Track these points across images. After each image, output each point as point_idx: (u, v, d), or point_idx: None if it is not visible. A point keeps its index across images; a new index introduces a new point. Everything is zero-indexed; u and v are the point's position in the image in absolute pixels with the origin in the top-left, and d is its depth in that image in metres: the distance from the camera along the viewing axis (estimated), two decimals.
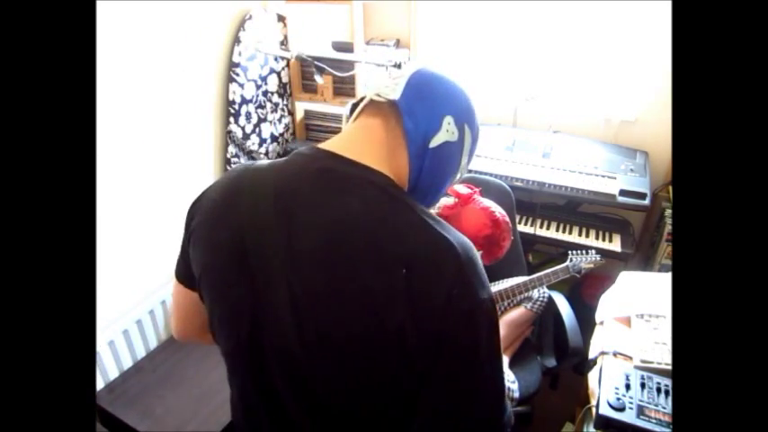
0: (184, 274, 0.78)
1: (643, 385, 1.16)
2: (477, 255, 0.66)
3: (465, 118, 0.74)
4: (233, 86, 2.03)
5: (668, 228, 2.04)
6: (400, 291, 0.59)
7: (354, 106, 0.77)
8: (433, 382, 0.63)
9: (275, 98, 2.30)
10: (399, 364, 0.62)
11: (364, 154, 0.68)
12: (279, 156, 2.41)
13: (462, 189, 1.53)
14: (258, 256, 0.66)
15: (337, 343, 0.63)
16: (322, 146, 0.71)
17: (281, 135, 2.40)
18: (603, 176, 2.03)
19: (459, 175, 0.79)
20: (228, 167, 2.11)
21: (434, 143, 0.70)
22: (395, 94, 0.70)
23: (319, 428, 0.70)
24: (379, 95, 0.71)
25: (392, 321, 0.59)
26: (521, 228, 2.10)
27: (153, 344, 1.90)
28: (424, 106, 0.70)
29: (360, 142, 0.70)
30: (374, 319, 0.60)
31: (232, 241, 0.68)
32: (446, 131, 0.71)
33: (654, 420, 1.08)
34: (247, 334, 0.69)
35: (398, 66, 1.99)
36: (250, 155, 1.50)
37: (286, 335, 0.65)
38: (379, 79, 0.76)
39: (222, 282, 0.70)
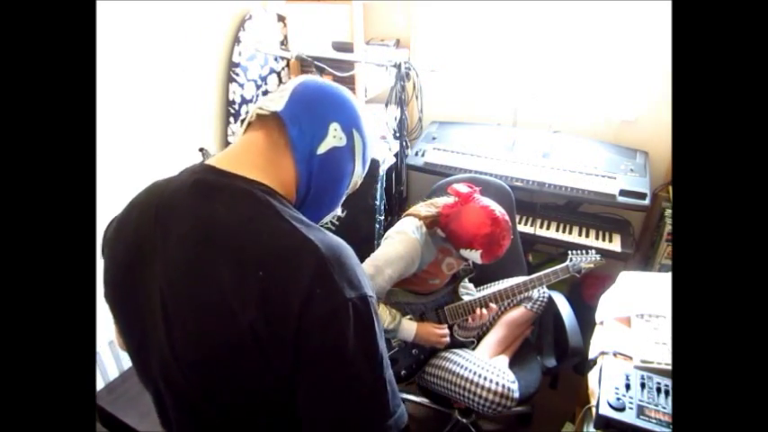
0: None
1: (643, 385, 1.16)
2: (350, 256, 0.67)
3: (352, 124, 0.76)
4: (233, 86, 2.03)
5: (668, 228, 2.04)
6: (253, 291, 0.60)
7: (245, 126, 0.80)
8: (303, 388, 0.64)
9: None
10: (260, 366, 0.62)
11: (241, 165, 0.70)
12: None
13: (462, 188, 1.53)
14: (141, 268, 0.69)
15: (200, 347, 0.64)
16: (208, 161, 0.73)
17: None
18: (603, 176, 2.03)
19: (354, 182, 0.80)
20: None
21: (322, 149, 0.73)
22: (278, 106, 0.72)
23: None
24: (261, 108, 0.73)
25: (245, 321, 0.60)
26: (521, 228, 2.10)
27: None
28: (309, 114, 0.73)
29: (237, 154, 0.72)
30: (228, 319, 0.61)
31: (124, 255, 0.72)
32: (333, 137, 0.73)
33: (654, 420, 1.08)
34: (139, 346, 0.73)
35: (398, 66, 1.99)
36: None
37: (162, 343, 0.66)
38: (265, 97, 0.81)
39: (117, 294, 0.74)
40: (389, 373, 0.67)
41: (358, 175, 0.80)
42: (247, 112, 2.12)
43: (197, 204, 0.67)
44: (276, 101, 0.73)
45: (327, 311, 0.61)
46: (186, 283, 0.64)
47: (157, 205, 0.70)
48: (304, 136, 0.72)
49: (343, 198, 0.82)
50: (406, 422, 0.68)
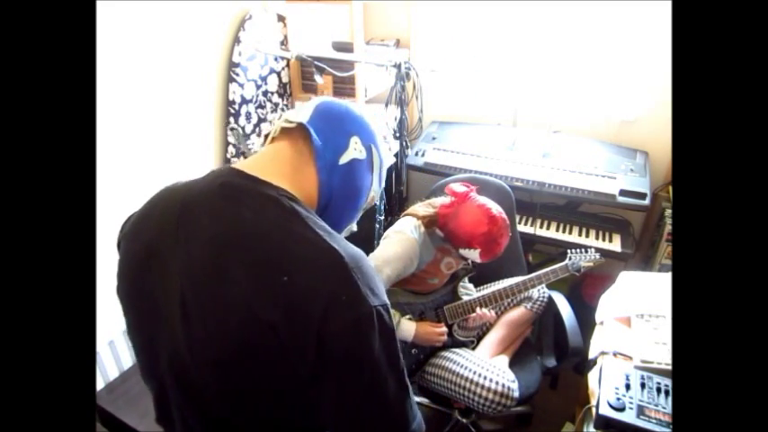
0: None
1: (643, 385, 1.16)
2: (370, 265, 0.68)
3: (371, 140, 0.80)
4: (233, 86, 2.03)
5: (668, 228, 2.04)
6: (277, 296, 0.61)
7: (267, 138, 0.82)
8: (327, 395, 0.64)
9: (275, 98, 2.30)
10: (279, 370, 0.63)
11: (267, 171, 0.72)
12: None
13: (459, 188, 1.53)
14: (159, 265, 0.69)
15: (220, 347, 0.64)
16: (234, 165, 0.75)
17: None
18: (603, 176, 2.03)
19: (371, 196, 0.84)
20: None
21: (344, 160, 0.77)
22: (303, 118, 0.76)
23: None
24: (288, 121, 0.77)
25: (267, 323, 0.61)
26: (521, 228, 2.10)
27: None
28: (331, 127, 0.77)
29: (266, 161, 0.75)
30: (250, 321, 0.62)
31: (142, 252, 0.72)
32: (354, 149, 0.78)
33: (654, 420, 1.08)
34: (149, 341, 0.73)
35: (398, 66, 1.99)
36: (243, 156, 1.50)
37: (177, 341, 0.67)
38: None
39: (131, 290, 0.75)
40: (407, 380, 0.69)
41: (375, 190, 0.83)
42: (248, 113, 2.13)
43: (223, 206, 0.68)
44: (300, 114, 0.77)
45: (352, 319, 0.62)
46: (209, 283, 0.65)
47: (182, 204, 0.71)
48: (327, 146, 0.75)
49: (361, 212, 0.84)
50: (424, 430, 0.70)
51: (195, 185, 0.73)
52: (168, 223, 0.70)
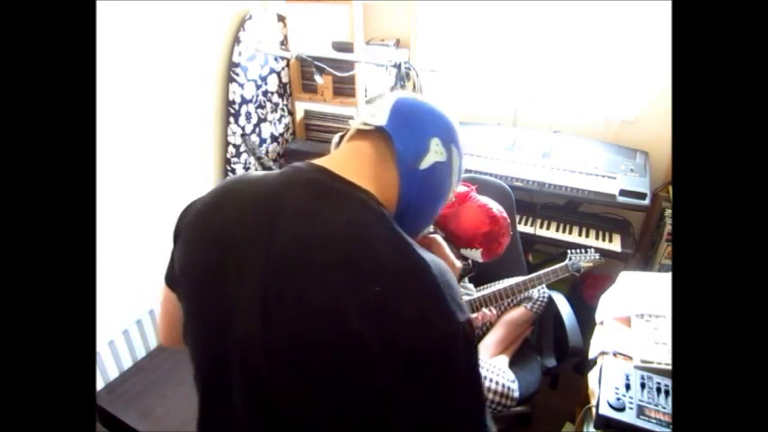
0: (170, 277, 0.79)
1: (643, 385, 1.16)
2: (453, 278, 0.66)
3: (451, 139, 0.76)
4: (233, 86, 2.03)
5: (668, 228, 2.04)
6: (368, 304, 0.59)
7: (341, 138, 0.80)
8: (407, 409, 0.62)
9: (275, 98, 2.30)
10: (360, 377, 0.61)
11: (352, 171, 0.69)
12: (279, 156, 2.41)
13: (459, 187, 1.53)
14: (237, 259, 0.66)
15: (301, 351, 0.62)
16: (315, 161, 0.72)
17: (281, 135, 2.40)
18: (603, 176, 2.03)
19: (449, 197, 0.80)
20: (228, 167, 2.11)
21: (425, 164, 0.73)
22: (381, 121, 0.73)
23: None
24: (366, 123, 0.74)
25: (355, 329, 0.59)
26: (521, 228, 2.10)
27: (153, 344, 1.90)
28: (411, 129, 0.73)
29: (349, 161, 0.72)
30: (337, 325, 0.60)
31: (214, 243, 0.69)
32: (434, 152, 0.73)
33: (654, 420, 1.08)
34: (216, 336, 0.69)
35: (398, 66, 1.99)
36: (259, 160, 1.49)
37: (252, 339, 0.64)
38: (362, 111, 0.80)
39: (199, 282, 0.71)
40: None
41: (453, 188, 0.80)
42: (248, 113, 2.13)
43: (311, 205, 0.66)
44: (377, 116, 0.74)
45: (441, 333, 0.60)
46: (294, 286, 0.62)
47: (266, 200, 0.68)
48: (407, 150, 0.72)
49: (438, 214, 0.81)
50: None
51: (276, 181, 0.70)
52: (249, 218, 0.67)
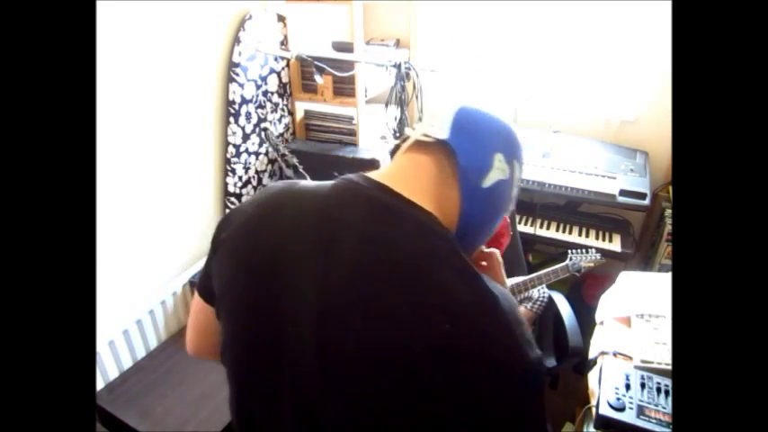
0: (207, 289, 0.74)
1: (643, 385, 1.16)
2: (517, 307, 0.62)
3: (514, 153, 0.72)
4: (233, 86, 2.03)
5: (668, 228, 2.04)
6: (434, 340, 0.55)
7: (396, 148, 0.74)
8: None
9: (275, 98, 2.30)
10: (418, 408, 0.57)
11: (414, 189, 0.64)
12: (280, 155, 2.40)
13: None
14: (289, 279, 0.62)
15: (359, 375, 0.58)
16: (371, 175, 0.67)
17: (282, 135, 2.40)
18: (603, 176, 2.03)
19: (509, 210, 0.76)
20: (228, 167, 2.11)
21: (488, 183, 0.67)
22: (442, 133, 0.67)
23: None
24: (426, 135, 0.68)
25: (418, 362, 0.55)
26: (521, 228, 2.10)
27: (153, 344, 1.90)
28: (475, 144, 0.68)
29: (409, 177, 0.67)
30: (399, 356, 0.56)
31: (265, 258, 0.64)
32: (497, 169, 0.68)
33: (654, 420, 1.08)
34: (259, 352, 0.65)
35: (398, 66, 1.99)
36: (283, 158, 1.46)
37: (305, 359, 0.60)
38: (423, 121, 0.75)
39: (246, 300, 0.66)
40: None
41: (512, 202, 0.76)
42: (248, 113, 2.13)
43: (374, 227, 0.61)
44: (438, 127, 0.69)
45: (513, 374, 0.57)
46: (355, 313, 0.58)
47: (321, 216, 0.64)
48: (470, 167, 0.67)
49: (495, 230, 0.77)
50: None
51: (332, 197, 0.65)
52: (304, 238, 0.63)
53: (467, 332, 0.56)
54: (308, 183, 0.70)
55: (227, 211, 0.74)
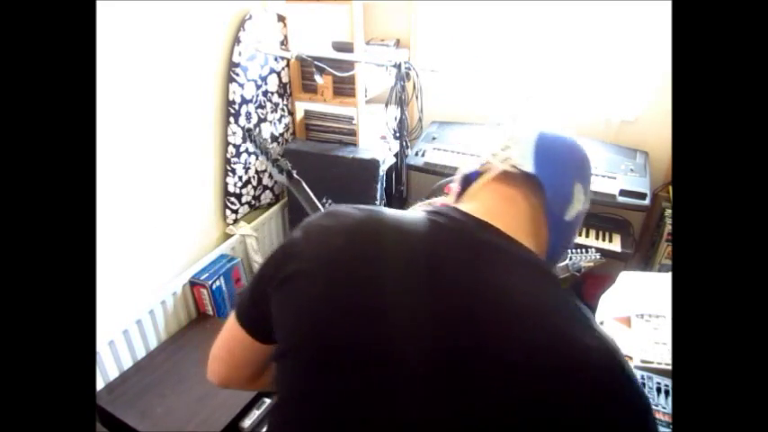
0: (252, 320, 0.69)
1: (643, 385, 1.16)
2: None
3: (588, 182, 0.71)
4: (233, 86, 2.03)
5: (668, 228, 2.04)
6: (558, 397, 0.51)
7: (472, 174, 0.72)
8: None
9: (275, 98, 2.30)
10: None
11: (513, 228, 0.62)
12: (280, 156, 2.40)
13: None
14: (384, 323, 0.57)
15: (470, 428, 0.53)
16: (466, 210, 0.64)
17: (281, 135, 2.40)
18: (603, 176, 2.03)
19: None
20: (228, 167, 2.11)
21: (570, 215, 0.67)
22: (527, 164, 0.66)
23: None
24: (514, 167, 0.67)
25: (538, 424, 0.51)
26: None
27: (153, 344, 1.90)
28: (558, 175, 0.67)
29: (506, 214, 0.64)
30: (512, 418, 0.52)
31: (370, 300, 0.58)
32: (578, 200, 0.68)
33: None
34: (345, 396, 0.58)
35: (398, 66, 1.99)
36: (275, 163, 1.43)
37: (404, 418, 0.55)
38: (495, 141, 0.71)
39: (326, 337, 0.58)
40: None
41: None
42: (248, 113, 2.13)
43: (488, 271, 0.58)
44: (522, 157, 0.67)
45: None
46: (469, 363, 0.53)
47: (428, 259, 0.59)
48: (556, 199, 0.65)
49: None
50: None
51: (434, 233, 0.61)
52: (412, 278, 0.58)
53: (581, 391, 0.52)
54: (396, 214, 0.64)
55: (295, 237, 0.65)
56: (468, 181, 0.73)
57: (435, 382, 0.54)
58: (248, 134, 1.56)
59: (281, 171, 1.48)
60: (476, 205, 0.66)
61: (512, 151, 0.68)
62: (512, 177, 0.67)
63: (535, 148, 0.67)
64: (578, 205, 0.67)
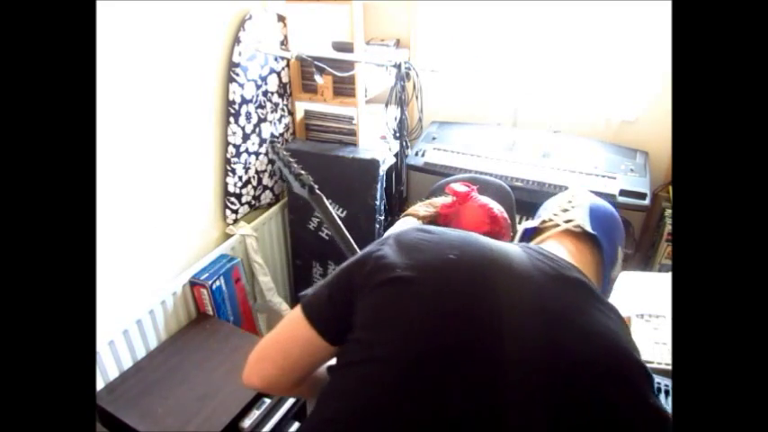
0: (326, 321, 0.69)
1: None
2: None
3: (624, 244, 0.81)
4: (233, 86, 2.03)
5: (668, 228, 2.04)
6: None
7: (530, 230, 0.81)
8: None
9: (275, 98, 2.30)
10: None
11: (590, 276, 0.69)
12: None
13: (460, 187, 1.53)
14: (509, 335, 0.60)
15: None
16: (558, 255, 0.71)
17: (281, 135, 2.40)
18: (603, 176, 2.03)
19: None
20: (228, 167, 2.11)
21: (614, 274, 0.77)
22: (589, 227, 0.75)
23: None
24: (579, 227, 0.76)
25: None
26: (521, 228, 2.09)
27: (153, 344, 1.90)
28: (609, 239, 0.76)
29: (584, 264, 0.72)
30: None
31: (487, 314, 0.61)
32: (620, 262, 0.78)
33: None
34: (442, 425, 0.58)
35: (398, 66, 1.99)
36: (299, 177, 1.41)
37: None
38: (555, 204, 0.82)
39: (416, 352, 0.60)
40: None
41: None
42: (248, 113, 2.13)
43: (590, 311, 0.64)
44: (581, 219, 0.76)
45: None
46: (564, 398, 0.59)
47: (540, 292, 0.64)
48: (608, 260, 0.75)
49: None
50: None
51: (538, 274, 0.65)
52: (525, 305, 0.62)
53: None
54: (494, 246, 0.69)
55: (383, 248, 0.70)
56: (525, 236, 0.83)
57: (543, 393, 0.59)
58: (272, 147, 1.55)
59: (303, 185, 1.47)
60: (559, 251, 0.73)
61: (574, 213, 0.78)
62: (574, 235, 0.75)
63: (590, 213, 0.77)
64: (619, 268, 0.77)
